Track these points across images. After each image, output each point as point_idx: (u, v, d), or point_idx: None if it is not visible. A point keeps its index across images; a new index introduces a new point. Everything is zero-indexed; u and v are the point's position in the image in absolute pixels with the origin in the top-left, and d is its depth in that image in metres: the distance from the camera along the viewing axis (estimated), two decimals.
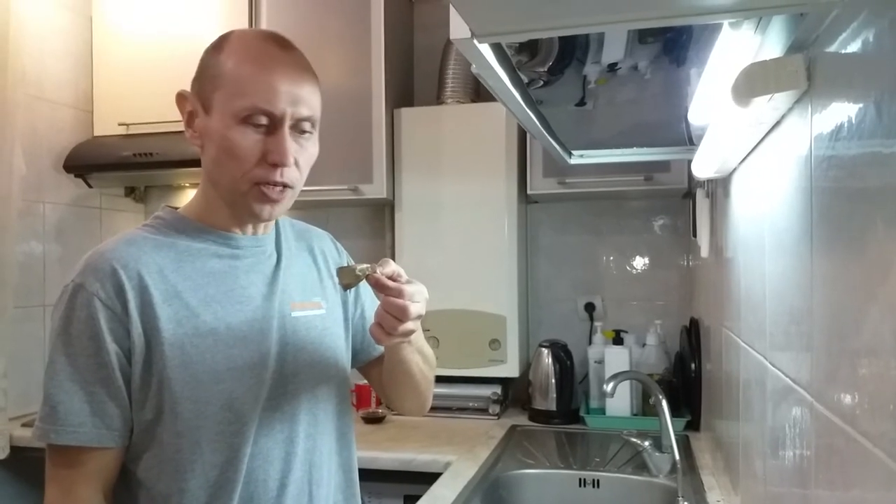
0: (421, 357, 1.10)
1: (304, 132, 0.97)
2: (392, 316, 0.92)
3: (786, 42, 0.75)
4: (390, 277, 0.94)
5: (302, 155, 0.97)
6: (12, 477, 2.17)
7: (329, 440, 1.05)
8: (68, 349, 0.90)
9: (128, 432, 0.93)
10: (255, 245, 1.02)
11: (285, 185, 0.96)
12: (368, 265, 0.94)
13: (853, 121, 0.60)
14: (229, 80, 0.93)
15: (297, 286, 1.05)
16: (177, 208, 1.04)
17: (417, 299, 0.93)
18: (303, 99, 0.95)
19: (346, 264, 1.04)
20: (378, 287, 0.93)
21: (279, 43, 0.97)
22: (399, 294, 0.92)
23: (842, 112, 0.63)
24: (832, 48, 0.66)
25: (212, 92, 0.95)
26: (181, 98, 1.00)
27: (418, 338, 1.07)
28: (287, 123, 0.94)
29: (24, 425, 2.17)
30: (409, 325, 0.93)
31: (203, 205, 1.01)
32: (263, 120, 0.93)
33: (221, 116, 0.93)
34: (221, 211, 1.00)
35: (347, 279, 0.95)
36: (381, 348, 1.14)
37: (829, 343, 0.68)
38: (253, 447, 0.95)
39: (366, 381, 2.24)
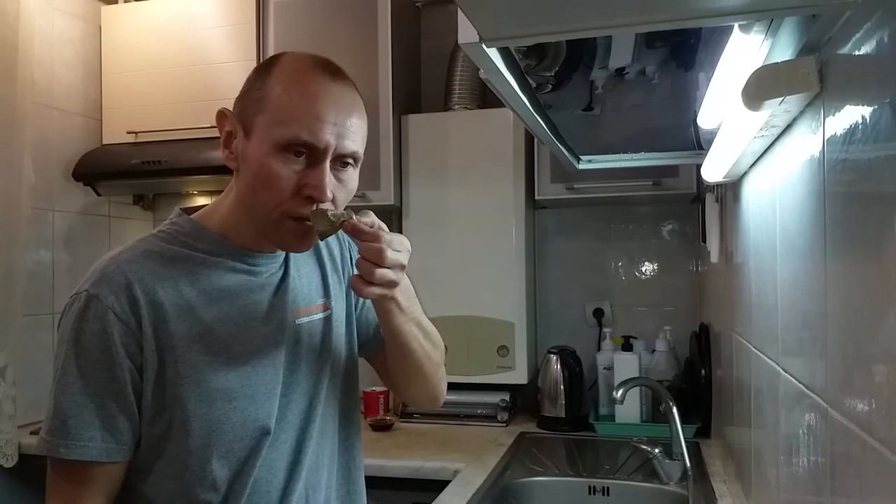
0: (420, 332, 1.04)
1: (346, 166, 0.93)
2: (369, 262, 0.88)
3: (797, 44, 0.74)
4: (369, 227, 0.90)
5: (340, 191, 0.93)
6: (21, 485, 2.17)
7: (330, 444, 1.04)
8: (80, 361, 0.88)
9: (135, 445, 0.92)
10: (270, 262, 1.00)
11: None
12: (344, 212, 0.90)
13: (867, 123, 0.59)
14: (274, 105, 0.89)
15: (302, 292, 1.03)
16: (191, 211, 1.01)
17: (397, 247, 0.89)
18: (348, 133, 0.91)
19: (319, 208, 0.93)
20: (354, 233, 0.90)
21: (330, 71, 0.93)
22: (375, 239, 0.88)
23: (855, 114, 0.62)
24: (845, 50, 0.65)
25: (254, 115, 0.91)
26: (221, 116, 0.96)
27: (412, 307, 1.01)
28: (329, 157, 0.90)
29: (32, 433, 2.16)
30: (387, 273, 0.88)
31: (228, 221, 0.98)
32: (304, 151, 0.89)
33: (261, 142, 0.90)
34: (247, 231, 0.97)
35: (322, 226, 0.90)
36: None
37: (845, 348, 0.67)
38: (260, 459, 0.94)
39: (373, 388, 2.27)
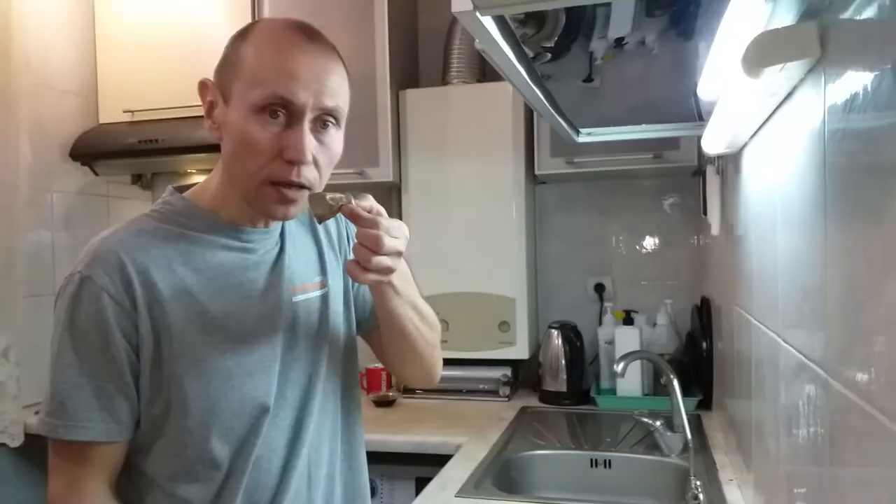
0: (416, 314, 1.04)
1: (326, 126, 0.92)
2: (366, 248, 0.87)
3: (798, 9, 0.73)
4: (367, 212, 0.89)
5: (323, 153, 0.92)
6: (27, 464, 2.19)
7: (331, 421, 1.04)
8: (76, 343, 0.88)
9: (134, 424, 0.92)
10: (264, 237, 1.00)
11: (301, 186, 0.91)
12: (343, 195, 0.89)
13: (868, 90, 0.58)
14: (248, 68, 0.88)
15: (299, 269, 1.03)
16: (184, 189, 1.00)
17: (395, 234, 0.88)
18: (327, 89, 0.89)
19: (318, 192, 0.92)
20: (352, 218, 0.89)
21: (305, 32, 0.91)
22: (373, 225, 0.87)
23: (856, 81, 0.61)
24: (846, 14, 0.64)
25: (231, 81, 0.90)
26: (203, 87, 0.95)
27: (408, 290, 1.01)
28: (308, 116, 0.88)
29: (37, 413, 2.17)
30: (384, 260, 0.87)
31: (218, 196, 0.97)
32: (282, 111, 0.87)
33: (239, 107, 0.89)
34: (237, 206, 0.96)
35: (320, 209, 0.89)
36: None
37: (844, 319, 0.66)
38: (260, 437, 0.94)
39: (376, 365, 2.28)
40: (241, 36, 0.93)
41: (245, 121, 0.88)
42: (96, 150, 2.43)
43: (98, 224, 2.55)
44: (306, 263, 1.05)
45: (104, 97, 2.50)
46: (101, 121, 2.50)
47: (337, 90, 0.91)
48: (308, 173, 0.91)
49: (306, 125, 0.89)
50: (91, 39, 2.51)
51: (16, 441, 2.14)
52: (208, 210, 0.97)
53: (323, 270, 1.07)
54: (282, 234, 1.03)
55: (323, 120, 0.91)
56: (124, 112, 2.43)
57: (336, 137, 0.94)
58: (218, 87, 0.93)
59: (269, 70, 0.88)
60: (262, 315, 0.96)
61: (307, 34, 0.92)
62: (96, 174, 2.54)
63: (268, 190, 0.91)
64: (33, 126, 2.29)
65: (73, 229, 2.48)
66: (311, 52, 0.90)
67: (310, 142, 0.89)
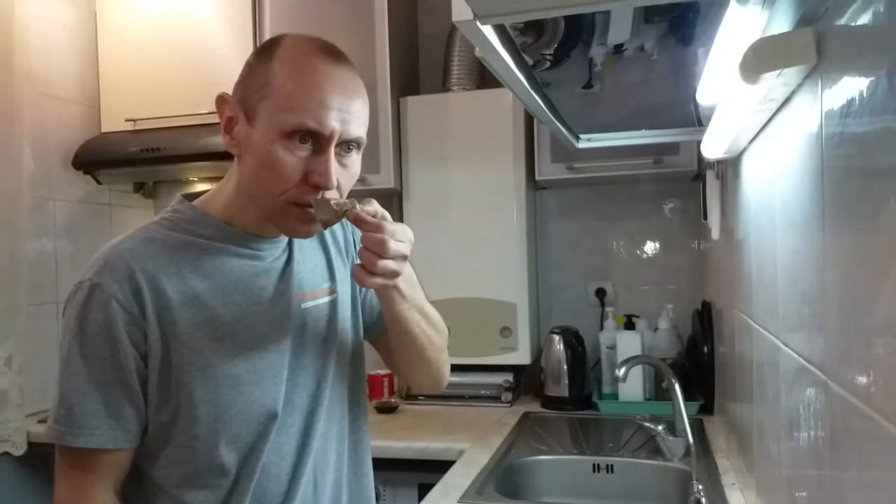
0: (423, 318, 1.05)
1: (349, 151, 0.93)
2: (372, 252, 0.88)
3: (794, 16, 0.74)
4: (372, 216, 0.90)
5: (344, 176, 0.93)
6: (30, 473, 2.20)
7: (338, 427, 1.05)
8: (84, 350, 0.89)
9: (142, 431, 0.93)
10: (274, 246, 1.00)
11: None
12: (348, 200, 0.91)
13: (864, 95, 0.59)
14: (277, 92, 0.89)
15: (307, 276, 1.03)
16: (193, 197, 1.01)
17: (400, 238, 0.90)
18: (353, 119, 0.91)
19: (323, 197, 0.92)
20: (357, 222, 0.90)
21: (333, 55, 0.93)
22: (378, 229, 0.88)
23: (852, 87, 0.62)
24: (842, 21, 0.65)
25: (258, 101, 0.90)
26: (222, 101, 0.95)
27: (415, 293, 1.02)
28: (334, 144, 0.90)
29: (40, 421, 2.18)
30: (389, 264, 0.89)
31: (232, 207, 0.97)
32: (310, 138, 0.89)
33: (266, 129, 0.89)
34: (250, 217, 0.96)
35: (325, 215, 0.90)
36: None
37: (843, 321, 0.67)
38: (268, 443, 0.95)
39: (377, 371, 2.29)
40: (267, 54, 0.92)
41: (272, 144, 0.89)
42: (98, 158, 2.44)
43: (100, 232, 2.56)
44: (314, 269, 1.05)
45: (106, 106, 2.51)
46: (103, 129, 2.51)
47: (362, 117, 0.93)
48: (330, 196, 0.92)
49: (332, 153, 0.90)
50: (93, 48, 2.52)
51: (19, 450, 2.14)
52: (219, 219, 0.97)
53: (332, 276, 1.07)
54: (290, 242, 1.03)
55: (347, 145, 0.93)
56: (126, 121, 2.44)
57: (356, 159, 0.96)
58: (240, 104, 0.93)
59: (299, 98, 0.88)
60: (271, 322, 0.97)
61: (335, 57, 0.93)
62: (98, 182, 2.55)
63: (293, 210, 0.92)
64: (36, 134, 2.30)
65: (76, 238, 2.48)
66: (340, 79, 0.91)
67: (335, 168, 0.91)
